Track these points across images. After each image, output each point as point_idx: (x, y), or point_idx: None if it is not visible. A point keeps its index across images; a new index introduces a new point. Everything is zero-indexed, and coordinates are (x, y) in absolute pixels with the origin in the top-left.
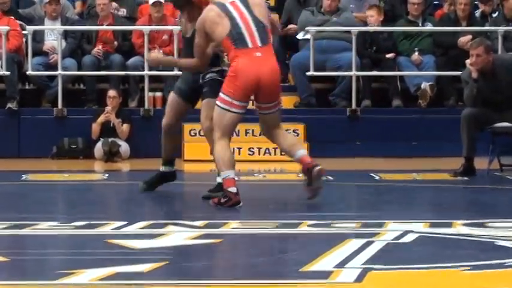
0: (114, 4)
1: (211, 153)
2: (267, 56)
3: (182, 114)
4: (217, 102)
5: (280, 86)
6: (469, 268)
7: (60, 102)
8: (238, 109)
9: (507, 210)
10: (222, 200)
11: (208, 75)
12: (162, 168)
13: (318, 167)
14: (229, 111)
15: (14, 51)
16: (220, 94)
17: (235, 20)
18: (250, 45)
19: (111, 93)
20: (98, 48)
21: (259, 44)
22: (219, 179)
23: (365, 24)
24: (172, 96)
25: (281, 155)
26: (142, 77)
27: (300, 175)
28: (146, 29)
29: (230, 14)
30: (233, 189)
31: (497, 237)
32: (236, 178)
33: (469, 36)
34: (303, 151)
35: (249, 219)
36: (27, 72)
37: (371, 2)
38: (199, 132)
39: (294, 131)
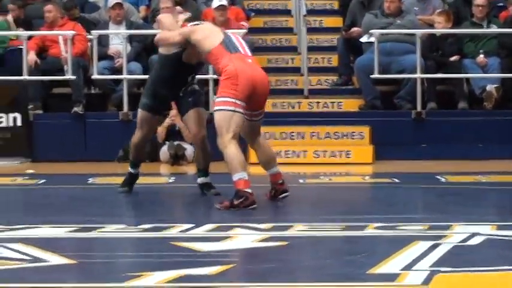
0: (179, 8)
1: (197, 159)
2: (257, 64)
3: (154, 127)
4: (219, 106)
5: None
6: None
7: (125, 106)
8: (241, 109)
9: None
10: (236, 202)
11: (190, 87)
12: (132, 170)
13: (285, 194)
14: (234, 111)
15: (79, 55)
16: (220, 98)
17: (227, 35)
18: (242, 51)
19: None
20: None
21: (248, 53)
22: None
23: (430, 26)
24: (142, 113)
25: (346, 157)
26: (207, 80)
27: (366, 178)
28: None
29: (223, 31)
30: (248, 190)
31: None
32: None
33: None
34: (276, 169)
35: (315, 221)
36: (93, 77)
37: (435, 5)
38: (264, 135)
39: (359, 133)
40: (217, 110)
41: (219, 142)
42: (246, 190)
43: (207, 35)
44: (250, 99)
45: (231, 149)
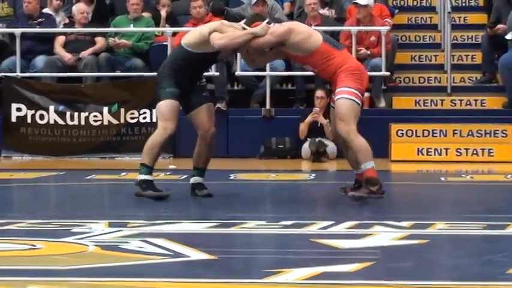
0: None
1: (198, 156)
2: None
3: None
4: (351, 96)
5: None
6: None
7: (268, 102)
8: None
9: None
10: (373, 188)
11: (203, 81)
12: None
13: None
14: (359, 104)
15: None
16: (351, 89)
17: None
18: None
19: (319, 93)
20: None
21: None
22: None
23: None
24: (170, 102)
25: (489, 155)
26: None
27: (508, 176)
28: (354, 29)
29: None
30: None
31: None
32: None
33: None
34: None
35: (456, 220)
36: (236, 73)
37: None
38: (406, 132)
39: (502, 131)
40: (348, 98)
41: (345, 129)
42: (376, 178)
43: (309, 33)
44: None
45: (361, 139)
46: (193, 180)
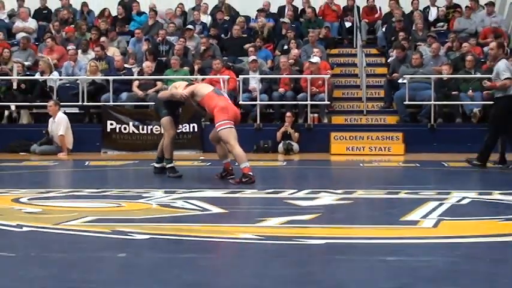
0: (291, 61)
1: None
2: (232, 103)
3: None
4: (223, 126)
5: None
6: (502, 220)
7: (258, 120)
8: (233, 126)
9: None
10: (244, 180)
11: (178, 111)
12: (158, 164)
13: (232, 177)
14: (231, 127)
15: (232, 90)
16: (221, 121)
17: (216, 87)
18: (226, 96)
19: (288, 114)
20: (281, 87)
21: (228, 98)
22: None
23: (439, 73)
24: (168, 119)
25: (388, 151)
26: (306, 104)
27: (400, 163)
28: (309, 77)
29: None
30: (251, 173)
31: None
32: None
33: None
34: (229, 159)
35: (369, 189)
36: (239, 103)
37: (444, 61)
38: (339, 137)
39: (396, 136)
40: (223, 128)
41: (228, 146)
42: (249, 173)
43: (201, 87)
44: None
45: (237, 149)
46: (160, 165)
